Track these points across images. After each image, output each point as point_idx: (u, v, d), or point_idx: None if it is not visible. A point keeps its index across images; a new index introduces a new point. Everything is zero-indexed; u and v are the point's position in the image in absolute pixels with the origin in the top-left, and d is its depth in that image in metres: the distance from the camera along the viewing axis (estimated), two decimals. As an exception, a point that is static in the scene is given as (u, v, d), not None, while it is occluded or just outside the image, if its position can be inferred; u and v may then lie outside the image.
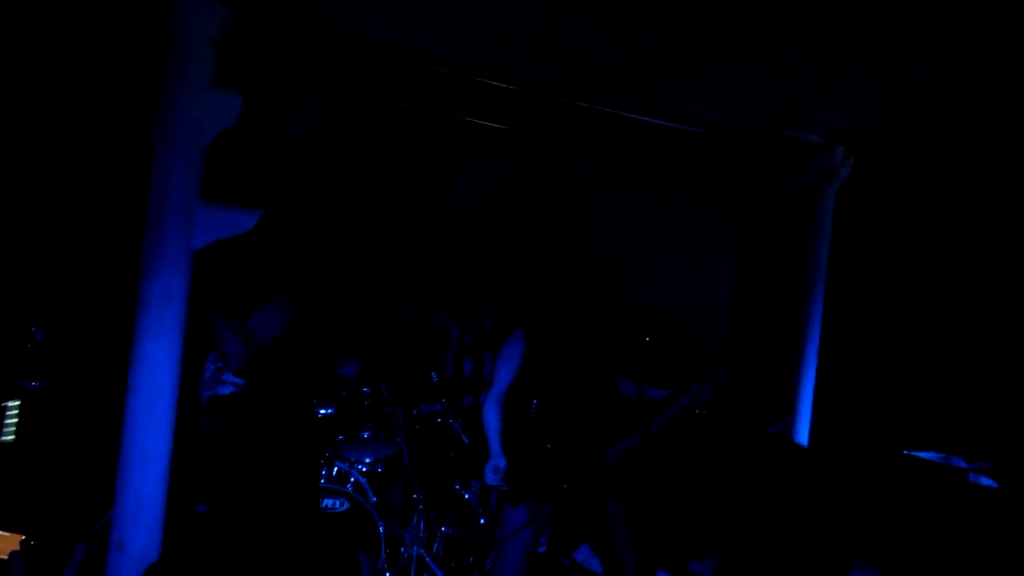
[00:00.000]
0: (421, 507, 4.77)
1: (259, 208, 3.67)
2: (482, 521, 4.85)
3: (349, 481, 4.67)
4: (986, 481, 5.36)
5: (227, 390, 3.29)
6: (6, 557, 1.76)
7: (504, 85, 4.18)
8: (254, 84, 4.23)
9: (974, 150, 4.95)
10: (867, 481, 6.07)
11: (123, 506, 2.98)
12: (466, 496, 4.97)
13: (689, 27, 3.34)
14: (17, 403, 4.28)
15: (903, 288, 7.13)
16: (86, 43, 4.24)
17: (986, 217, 6.35)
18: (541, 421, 3.89)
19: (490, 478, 3.98)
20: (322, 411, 4.82)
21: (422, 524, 4.74)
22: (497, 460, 3.97)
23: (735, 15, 3.21)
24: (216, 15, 3.11)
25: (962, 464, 5.58)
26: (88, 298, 4.89)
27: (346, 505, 4.47)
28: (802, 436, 4.75)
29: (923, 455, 5.89)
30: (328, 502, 4.45)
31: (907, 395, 6.84)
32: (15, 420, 4.25)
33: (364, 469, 4.80)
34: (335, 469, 4.69)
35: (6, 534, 2.26)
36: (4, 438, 4.20)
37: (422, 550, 4.63)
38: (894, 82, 3.86)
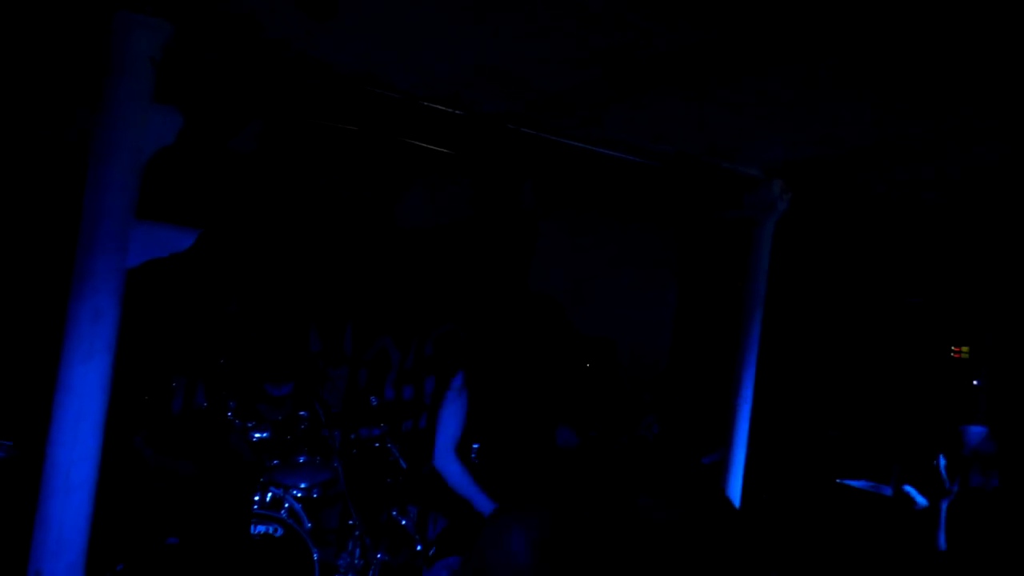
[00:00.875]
0: (357, 533, 4.69)
1: (198, 227, 3.61)
2: (419, 548, 4.79)
3: (283, 507, 4.58)
4: (915, 506, 5.49)
5: None
6: None
7: (451, 110, 4.19)
8: (197, 101, 4.17)
9: (907, 189, 5.11)
10: (800, 509, 6.18)
11: (44, 536, 2.87)
12: (403, 522, 4.91)
13: (635, 61, 3.39)
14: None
15: (837, 320, 7.31)
16: (28, 59, 4.13)
17: (916, 253, 6.56)
18: (484, 467, 3.80)
19: None
20: (256, 435, 4.71)
21: (357, 551, 4.66)
22: None
23: (680, 52, 3.27)
24: (158, 31, 3.06)
25: (890, 492, 5.72)
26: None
27: (280, 531, 4.37)
28: (737, 465, 4.81)
29: (854, 483, 6.01)
30: (261, 528, 4.35)
31: (839, 424, 7.00)
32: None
33: (299, 494, 4.71)
34: (269, 494, 4.59)
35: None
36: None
37: (356, 578, 4.56)
38: (831, 121, 3.98)
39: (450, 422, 3.74)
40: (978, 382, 6.51)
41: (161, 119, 3.07)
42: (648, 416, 3.83)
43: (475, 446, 3.78)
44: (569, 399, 4.13)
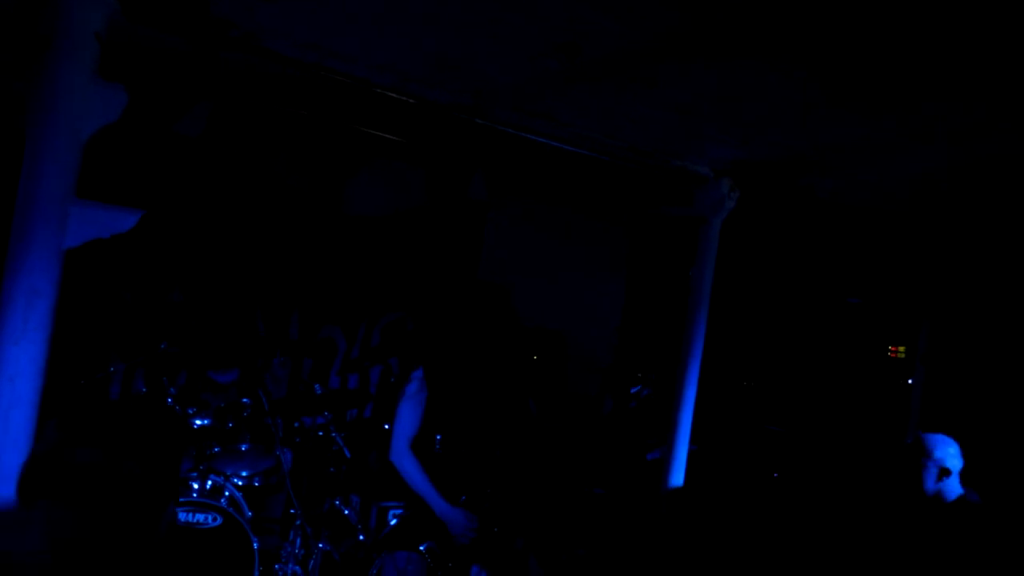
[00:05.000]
0: (299, 523, 4.65)
1: (141, 208, 3.52)
2: (361, 538, 4.76)
3: (223, 495, 4.51)
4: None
5: None
6: None
7: (403, 98, 4.15)
8: (143, 80, 4.07)
9: (850, 192, 5.23)
10: (741, 502, 6.29)
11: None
12: (346, 512, 4.88)
13: (586, 55, 3.40)
14: None
15: (779, 318, 7.46)
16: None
17: (857, 254, 6.71)
18: (447, 459, 3.76)
19: (465, 538, 3.69)
20: (197, 422, 4.63)
21: (299, 540, 4.62)
22: (456, 516, 3.70)
23: (631, 48, 3.30)
24: (103, 5, 2.97)
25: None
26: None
27: (219, 520, 4.31)
28: (680, 459, 4.88)
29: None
30: (199, 517, 4.28)
31: (780, 420, 7.14)
32: None
33: (240, 483, 4.65)
34: (209, 482, 4.52)
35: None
36: None
37: (297, 567, 4.52)
38: (779, 123, 4.05)
39: (407, 417, 3.70)
40: (912, 381, 6.71)
41: (105, 96, 2.99)
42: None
43: (438, 437, 3.77)
44: (516, 391, 4.13)
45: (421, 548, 3.67)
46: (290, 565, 4.54)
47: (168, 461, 1.68)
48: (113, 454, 1.56)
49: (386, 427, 6.12)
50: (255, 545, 4.31)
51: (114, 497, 1.55)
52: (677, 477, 4.86)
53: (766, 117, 4.00)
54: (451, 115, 4.33)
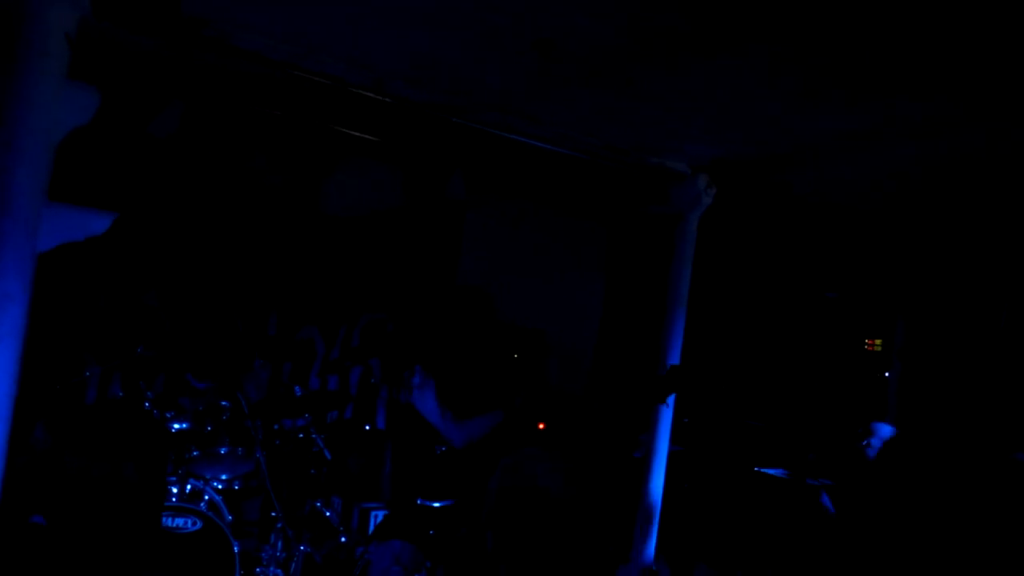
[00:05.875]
0: (280, 525, 4.62)
1: (114, 210, 3.48)
2: (343, 539, 4.74)
3: (203, 499, 4.47)
4: (826, 498, 5.68)
5: None
6: None
7: (380, 97, 4.14)
8: (115, 81, 4.02)
9: (827, 188, 5.27)
10: (721, 496, 6.33)
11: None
12: (327, 514, 4.86)
13: (565, 54, 3.41)
14: None
15: (757, 313, 7.51)
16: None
17: (834, 249, 6.77)
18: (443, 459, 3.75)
19: None
20: (175, 426, 4.59)
21: (280, 543, 4.60)
22: None
23: (609, 46, 3.31)
24: (74, 5, 2.94)
25: (807, 481, 5.90)
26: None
27: (198, 524, 4.27)
28: (661, 455, 4.89)
29: (772, 472, 6.19)
30: (179, 521, 4.24)
31: (759, 415, 7.19)
32: None
33: (219, 486, 4.61)
34: (188, 486, 4.48)
35: None
36: None
37: (279, 570, 4.49)
38: (755, 120, 4.07)
39: (431, 406, 3.72)
40: (889, 374, 6.77)
41: (76, 97, 2.95)
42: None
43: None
44: (497, 391, 4.13)
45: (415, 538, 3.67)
46: (271, 568, 4.51)
47: (160, 466, 1.68)
48: (109, 460, 1.56)
49: (367, 428, 6.11)
50: (235, 549, 4.28)
51: (115, 502, 1.55)
52: (659, 469, 4.87)
53: (742, 114, 4.02)
54: (428, 114, 4.32)
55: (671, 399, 4.83)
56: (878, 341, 6.96)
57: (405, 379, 3.83)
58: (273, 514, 4.66)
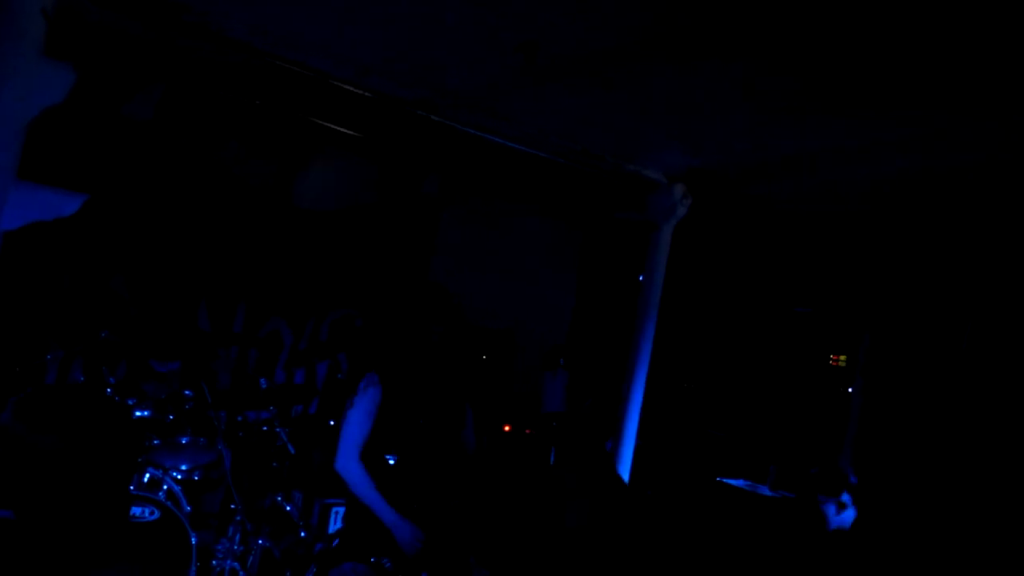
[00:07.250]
0: (239, 518, 4.57)
1: (85, 192, 3.43)
2: (303, 534, 4.70)
3: (162, 488, 4.41)
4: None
5: None
6: None
7: (361, 92, 4.12)
8: (92, 61, 3.95)
9: (801, 203, 5.34)
10: (681, 504, 6.37)
11: None
12: (288, 508, 4.81)
13: (546, 57, 3.41)
14: None
15: (726, 324, 7.57)
16: None
17: (805, 265, 6.85)
18: (398, 468, 3.62)
19: (413, 550, 3.53)
20: (137, 413, 4.52)
21: (238, 536, 4.54)
22: (404, 529, 3.55)
23: (589, 52, 3.32)
24: (52, -18, 2.89)
25: (767, 492, 5.96)
26: None
27: (156, 514, 4.21)
28: (626, 460, 4.92)
29: (733, 482, 6.23)
30: (136, 510, 4.17)
31: (723, 425, 7.25)
32: None
33: (179, 476, 4.54)
34: (147, 475, 4.41)
35: None
36: None
37: (235, 563, 4.44)
38: (734, 131, 4.12)
39: (357, 423, 3.49)
40: (852, 389, 6.86)
41: (51, 75, 2.90)
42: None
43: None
44: (466, 392, 4.07)
45: (371, 560, 3.56)
46: (228, 561, 4.46)
47: (129, 451, 1.65)
48: (78, 442, 1.53)
49: (332, 423, 6.06)
50: (193, 540, 4.22)
51: (83, 484, 1.53)
52: (623, 476, 4.90)
53: (720, 125, 4.06)
54: (408, 111, 4.30)
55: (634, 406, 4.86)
56: (843, 357, 7.05)
57: (360, 381, 3.67)
58: (233, 506, 4.60)
